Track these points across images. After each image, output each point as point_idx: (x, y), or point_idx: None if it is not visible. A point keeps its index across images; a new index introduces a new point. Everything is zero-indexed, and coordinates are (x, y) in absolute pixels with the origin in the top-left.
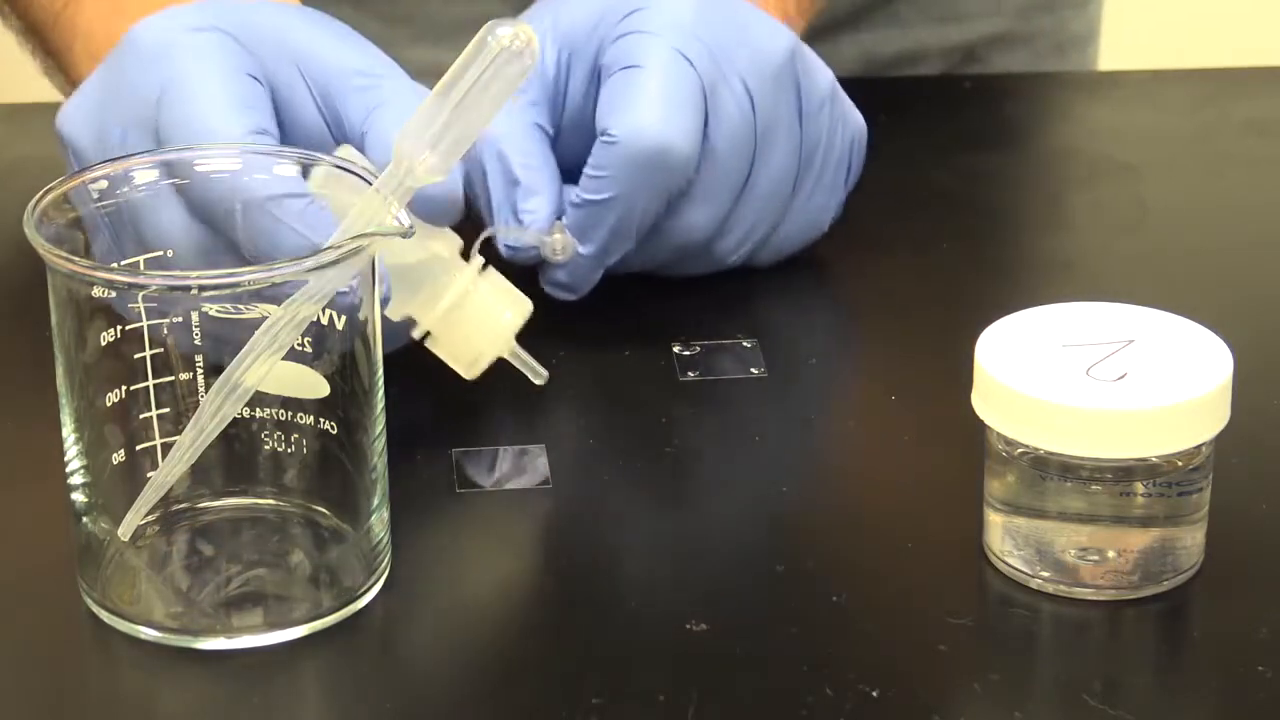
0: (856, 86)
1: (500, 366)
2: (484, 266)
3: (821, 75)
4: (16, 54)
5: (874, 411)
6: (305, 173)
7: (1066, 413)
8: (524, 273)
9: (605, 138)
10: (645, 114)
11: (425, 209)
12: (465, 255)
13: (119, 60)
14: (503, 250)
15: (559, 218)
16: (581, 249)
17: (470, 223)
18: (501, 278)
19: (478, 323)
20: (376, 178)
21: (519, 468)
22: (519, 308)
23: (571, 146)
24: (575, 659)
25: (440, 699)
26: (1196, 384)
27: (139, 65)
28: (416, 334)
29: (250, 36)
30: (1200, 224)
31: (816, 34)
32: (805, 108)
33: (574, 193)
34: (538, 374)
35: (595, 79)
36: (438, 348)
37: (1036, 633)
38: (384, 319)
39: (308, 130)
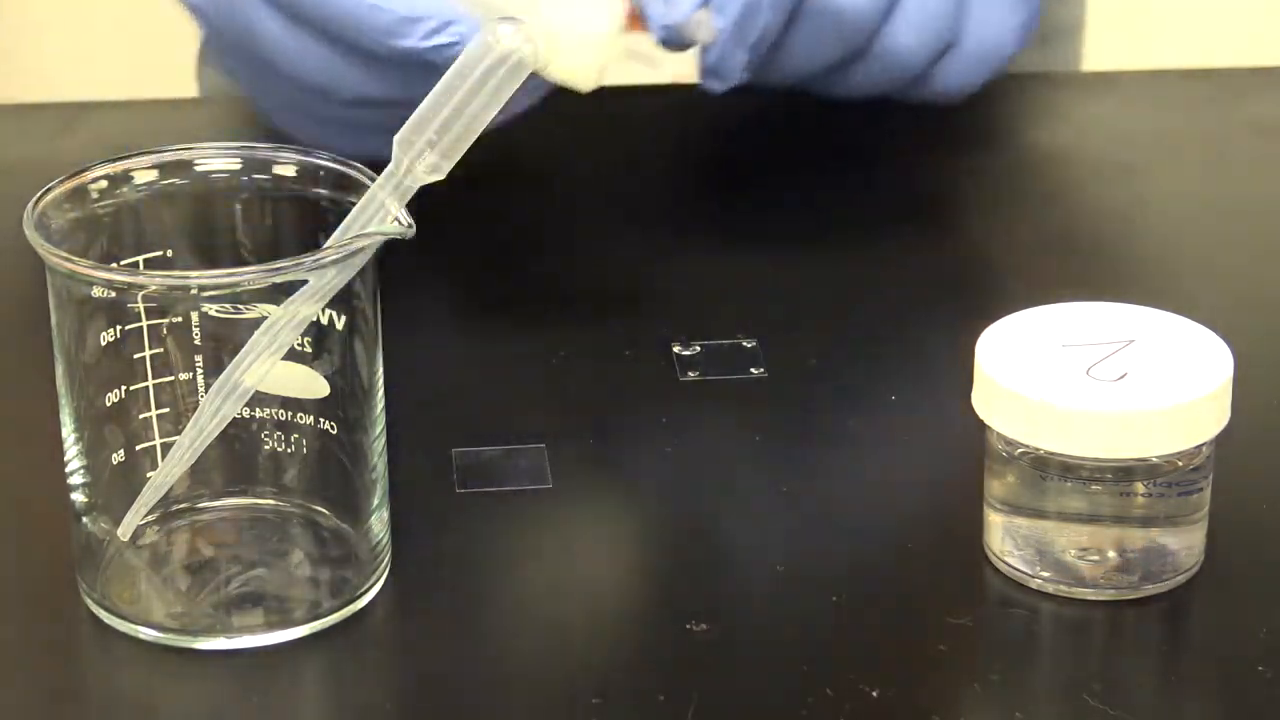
0: None
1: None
2: None
3: None
4: (17, 54)
5: (874, 411)
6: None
7: (1066, 413)
8: None
9: None
10: None
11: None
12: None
13: None
14: (655, 32)
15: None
16: (718, 21)
17: None
18: None
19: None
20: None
21: (519, 468)
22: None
23: None
24: (575, 659)
25: (440, 699)
26: (1196, 384)
27: None
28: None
29: None
30: (1200, 224)
31: None
32: None
33: None
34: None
35: None
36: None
37: (1036, 633)
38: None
39: None
